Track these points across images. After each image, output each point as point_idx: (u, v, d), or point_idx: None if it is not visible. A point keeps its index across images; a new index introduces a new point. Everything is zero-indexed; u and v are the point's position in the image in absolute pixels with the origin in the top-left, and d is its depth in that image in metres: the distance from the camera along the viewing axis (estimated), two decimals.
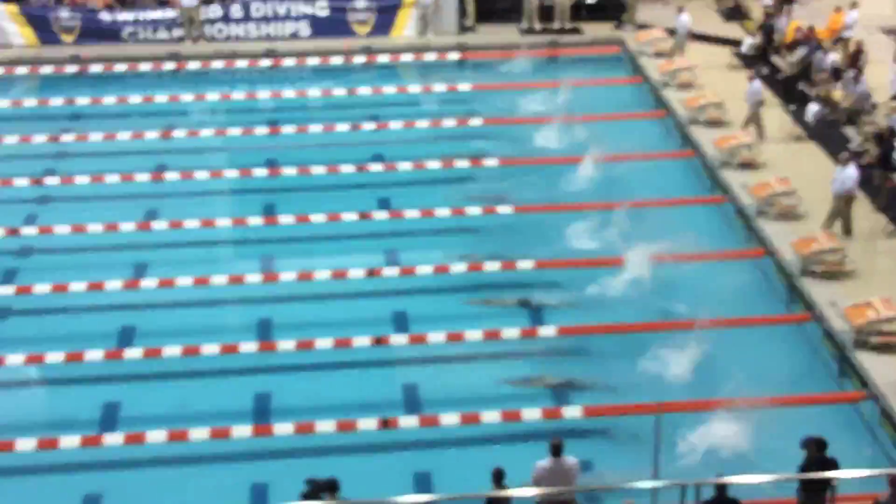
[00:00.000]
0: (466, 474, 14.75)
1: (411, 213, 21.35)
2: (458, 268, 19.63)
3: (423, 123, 25.28)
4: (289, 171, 23.20)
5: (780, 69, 26.82)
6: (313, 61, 28.83)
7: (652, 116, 26.05)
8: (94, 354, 17.30)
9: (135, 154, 24.18)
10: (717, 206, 22.10)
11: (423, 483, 14.98)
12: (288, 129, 25.04)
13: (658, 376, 16.83)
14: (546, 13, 30.32)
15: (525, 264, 19.58)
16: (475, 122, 25.29)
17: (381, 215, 21.43)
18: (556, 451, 13.30)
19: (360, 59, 28.98)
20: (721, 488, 12.73)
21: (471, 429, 15.90)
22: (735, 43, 28.76)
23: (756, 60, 27.38)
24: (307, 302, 19.14)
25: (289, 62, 28.84)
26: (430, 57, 29.26)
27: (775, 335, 18.15)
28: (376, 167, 23.36)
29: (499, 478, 13.12)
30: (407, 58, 29.32)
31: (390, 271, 19.62)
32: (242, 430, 15.81)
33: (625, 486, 13.35)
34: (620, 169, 22.99)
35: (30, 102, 26.94)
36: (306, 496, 13.10)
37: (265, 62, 28.82)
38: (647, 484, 13.17)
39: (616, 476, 14.36)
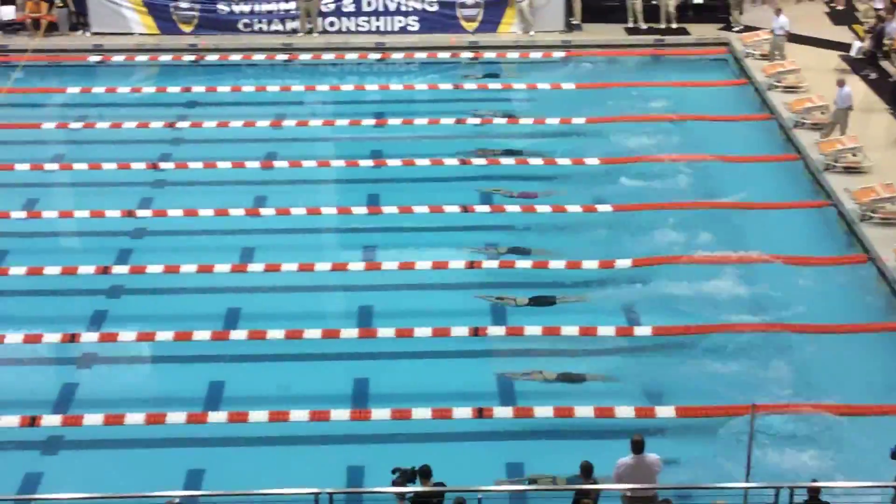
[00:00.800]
0: (558, 466, 15.03)
1: (512, 208, 21.63)
2: (557, 264, 19.86)
3: (526, 120, 25.54)
4: (393, 162, 23.69)
5: (889, 74, 26.47)
6: (421, 56, 29.29)
7: (756, 119, 25.92)
8: (202, 334, 17.97)
9: (246, 141, 24.85)
10: (819, 211, 21.94)
11: (515, 473, 15.24)
12: (394, 122, 25.54)
13: (755, 378, 16.87)
14: (652, 13, 30.31)
15: (623, 262, 19.76)
16: (578, 120, 25.46)
17: (482, 209, 21.77)
18: (639, 447, 13.44)
19: (466, 55, 29.36)
20: (814, 492, 12.72)
21: (563, 422, 16.14)
22: (844, 47, 28.43)
23: (865, 64, 27.05)
24: (408, 291, 19.54)
25: (397, 56, 29.34)
26: (535, 54, 29.48)
27: (878, 342, 17.97)
28: (479, 161, 23.69)
29: (588, 472, 13.34)
30: (513, 55, 29.57)
31: (489, 264, 19.93)
32: (341, 414, 16.28)
33: (717, 486, 13.48)
34: (722, 170, 22.99)
35: (148, 89, 27.88)
36: (395, 484, 13.40)
37: (374, 55, 29.37)
38: (741, 485, 13.26)
39: (708, 476, 14.51)
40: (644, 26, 30.27)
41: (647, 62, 29.47)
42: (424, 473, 13.48)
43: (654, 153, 23.81)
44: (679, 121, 25.19)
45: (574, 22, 30.57)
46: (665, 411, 16.26)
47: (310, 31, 30.02)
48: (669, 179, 22.71)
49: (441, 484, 13.48)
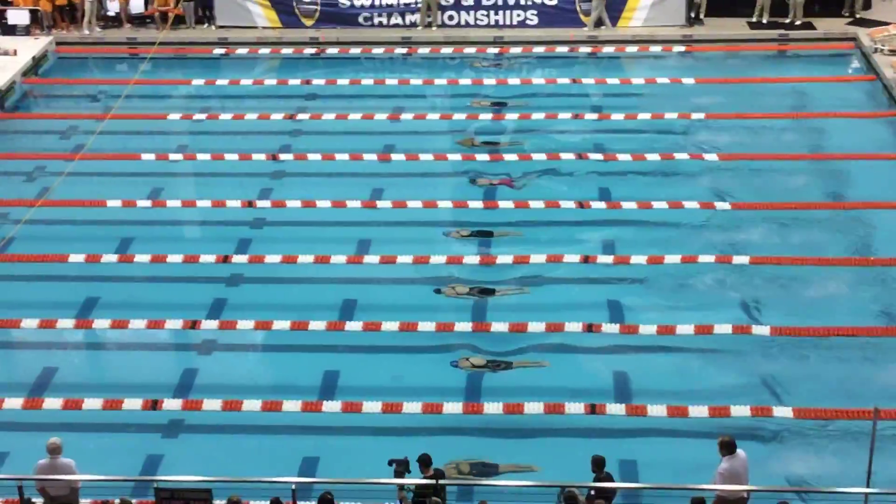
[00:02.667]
0: (671, 466, 14.88)
1: (629, 205, 21.46)
2: (672, 259, 19.61)
3: (644, 115, 25.29)
4: (509, 157, 23.67)
5: None
6: (539, 50, 29.22)
7: (885, 115, 25.23)
8: (318, 324, 18.20)
9: (364, 134, 25.09)
10: None
11: (629, 471, 15.09)
12: (511, 116, 25.50)
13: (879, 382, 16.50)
14: (780, 7, 29.68)
15: (741, 259, 19.44)
16: (698, 116, 25.11)
17: (598, 204, 21.63)
18: (732, 448, 13.20)
19: (584, 49, 29.19)
20: None
21: (677, 421, 15.95)
22: None
23: None
24: (522, 285, 19.51)
25: (515, 50, 29.32)
26: (655, 48, 29.16)
27: None
28: (596, 156, 23.53)
29: (600, 465, 13.27)
30: (631, 49, 29.32)
31: (605, 259, 19.81)
32: (453, 407, 16.34)
33: (836, 490, 13.19)
34: (848, 168, 22.45)
35: (270, 81, 28.35)
36: (397, 475, 13.41)
37: (492, 49, 29.40)
38: (861, 490, 12.95)
39: (826, 480, 14.22)
40: (766, 20, 29.69)
41: (769, 57, 28.92)
42: (424, 462, 13.53)
43: (776, 151, 23.35)
44: (801, 118, 24.66)
45: (697, 15, 30.11)
46: (783, 411, 15.96)
47: (429, 25, 30.16)
48: (792, 178, 22.26)
49: (440, 472, 13.60)
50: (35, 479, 13.30)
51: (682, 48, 29.15)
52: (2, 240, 20.54)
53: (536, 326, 17.91)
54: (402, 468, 13.48)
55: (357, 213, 21.65)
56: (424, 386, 17.04)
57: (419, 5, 30.04)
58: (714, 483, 13.22)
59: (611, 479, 13.49)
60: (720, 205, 21.43)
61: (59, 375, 17.63)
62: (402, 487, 13.28)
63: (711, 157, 23.26)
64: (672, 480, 13.95)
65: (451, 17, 30.39)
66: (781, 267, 19.31)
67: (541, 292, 19.29)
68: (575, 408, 16.10)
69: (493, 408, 16.26)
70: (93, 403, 16.51)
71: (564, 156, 23.44)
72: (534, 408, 16.15)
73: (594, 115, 25.50)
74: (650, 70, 28.20)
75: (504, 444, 15.80)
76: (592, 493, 13.16)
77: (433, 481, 13.25)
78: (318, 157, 23.82)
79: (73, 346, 18.55)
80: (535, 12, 30.20)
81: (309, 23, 30.66)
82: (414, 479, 13.35)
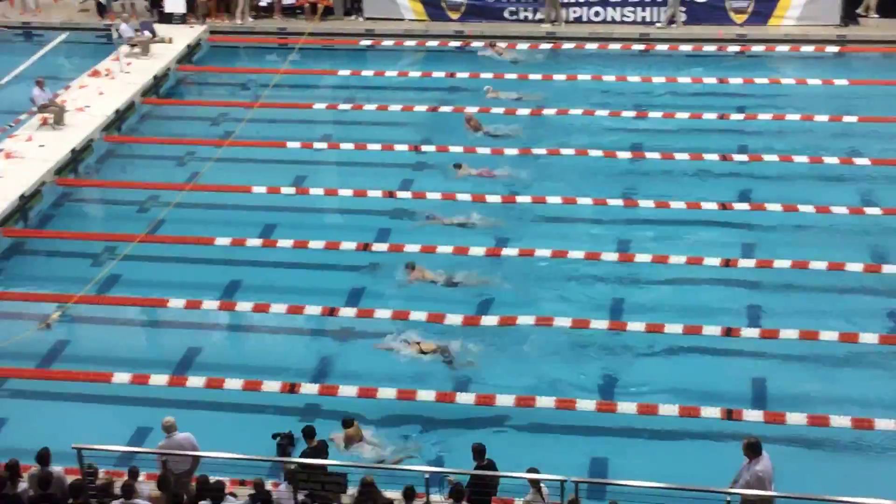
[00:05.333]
0: (811, 477, 14.54)
1: (773, 207, 21.01)
2: (818, 265, 19.12)
3: (793, 116, 24.72)
4: (652, 155, 23.42)
5: None
6: (685, 48, 28.83)
7: None
8: (600, 324, 17.93)
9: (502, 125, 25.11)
10: None
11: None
12: (654, 115, 25.23)
13: None
14: None
15: (890, 269, 18.91)
16: (849, 119, 24.43)
17: (741, 206, 21.24)
18: (758, 449, 12.91)
19: (733, 48, 28.70)
20: None
21: (816, 430, 15.58)
22: None
23: None
24: (659, 286, 19.30)
25: (661, 47, 28.98)
26: (807, 48, 28.47)
27: None
28: (741, 157, 23.10)
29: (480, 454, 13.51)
30: (782, 48, 28.69)
31: (746, 263, 19.45)
32: (586, 405, 16.22)
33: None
34: None
35: (414, 73, 28.59)
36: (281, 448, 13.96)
37: (637, 46, 29.12)
38: None
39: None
40: None
41: None
42: (308, 434, 14.20)
43: None
44: None
45: (869, 15, 29.22)
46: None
47: (555, 21, 30.04)
48: None
49: (324, 443, 14.31)
50: (179, 454, 13.66)
51: (835, 48, 28.37)
52: (153, 222, 21.22)
53: (673, 328, 17.68)
54: (287, 441, 14.05)
55: (495, 207, 21.68)
56: (560, 381, 16.94)
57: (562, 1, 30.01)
58: (741, 486, 12.89)
59: (493, 468, 13.54)
60: (870, 210, 20.82)
61: (202, 355, 18.15)
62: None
63: (863, 161, 22.61)
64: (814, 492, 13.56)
65: (596, 14, 30.19)
66: None
67: (679, 294, 19.04)
68: (710, 412, 15.84)
69: (625, 407, 16.13)
70: (233, 384, 16.94)
71: (707, 156, 23.07)
72: (668, 409, 15.96)
73: (740, 116, 25.02)
74: (801, 70, 27.52)
75: (636, 444, 15.66)
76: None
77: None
78: (459, 149, 23.90)
79: (216, 327, 19.07)
80: (683, 9, 29.77)
81: (455, 16, 30.85)
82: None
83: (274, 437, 14.13)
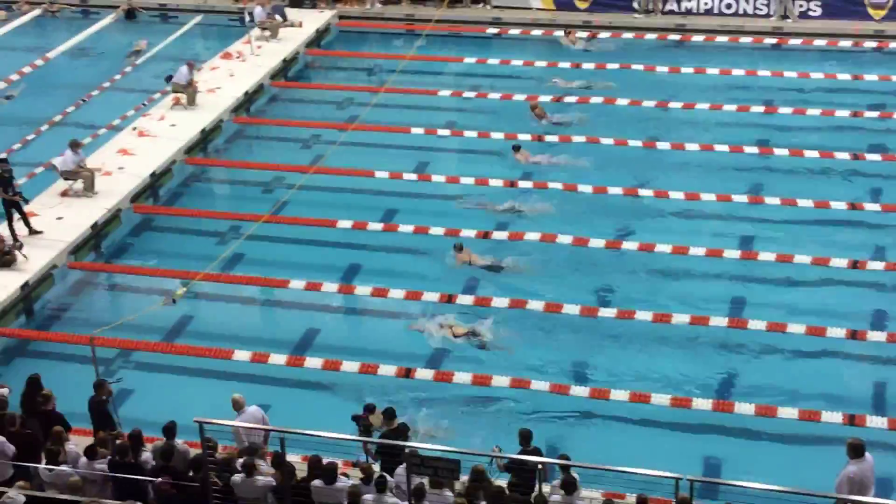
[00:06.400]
0: None
1: None
2: None
3: None
4: (780, 152, 22.93)
5: None
6: (820, 42, 28.14)
7: None
8: (719, 321, 17.69)
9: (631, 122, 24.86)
10: None
11: (885, 488, 14.40)
12: (784, 110, 24.70)
13: None
14: None
15: None
16: None
17: (872, 207, 20.68)
18: (861, 451, 12.54)
19: (870, 44, 27.92)
20: None
21: None
22: None
23: None
24: (783, 285, 18.91)
25: (794, 42, 28.33)
26: None
27: None
28: (873, 157, 22.47)
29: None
30: None
31: (875, 265, 18.93)
32: (702, 403, 15.99)
33: None
34: None
35: (540, 63, 28.29)
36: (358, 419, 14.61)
37: (770, 40, 28.52)
38: None
39: None
40: None
41: None
42: (388, 415, 14.52)
43: None
44: None
45: None
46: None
47: (650, 12, 29.66)
48: None
49: (405, 426, 14.40)
50: (294, 432, 13.83)
51: None
52: (277, 203, 21.58)
53: (796, 328, 17.31)
54: (365, 423, 14.39)
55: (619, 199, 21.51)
56: (674, 379, 16.77)
57: None
58: (841, 487, 12.46)
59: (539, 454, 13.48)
60: None
61: (320, 337, 18.41)
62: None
63: None
64: None
65: (728, 6, 29.66)
66: None
67: (803, 294, 18.64)
68: (831, 416, 15.49)
69: (743, 408, 15.85)
70: (349, 367, 17.12)
71: (838, 155, 22.50)
72: (788, 412, 15.63)
73: (875, 114, 24.32)
74: None
75: (752, 445, 15.39)
76: None
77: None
78: (582, 139, 23.77)
79: (335, 310, 19.30)
80: (818, 3, 29.08)
81: (583, 6, 30.64)
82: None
83: (353, 418, 14.60)
